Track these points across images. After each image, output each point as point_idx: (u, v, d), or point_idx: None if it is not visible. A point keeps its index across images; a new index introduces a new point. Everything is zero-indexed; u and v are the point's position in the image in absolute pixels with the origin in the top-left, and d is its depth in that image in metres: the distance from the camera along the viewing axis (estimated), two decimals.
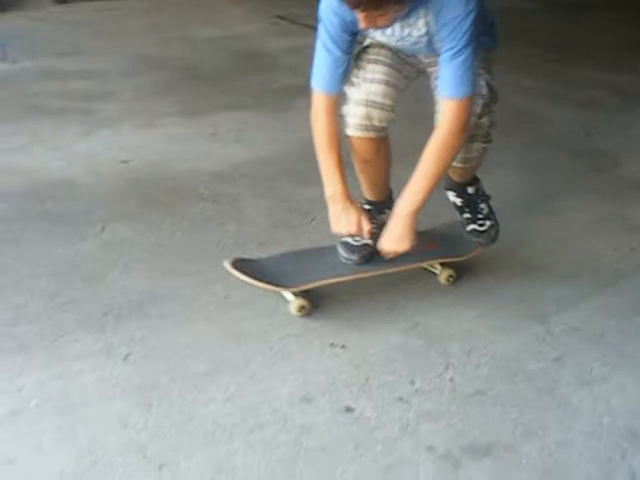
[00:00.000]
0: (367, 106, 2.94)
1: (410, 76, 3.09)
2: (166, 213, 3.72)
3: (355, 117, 2.97)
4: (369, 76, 2.96)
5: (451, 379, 2.74)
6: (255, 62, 6.37)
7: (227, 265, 3.02)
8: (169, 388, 2.64)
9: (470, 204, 3.35)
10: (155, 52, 6.61)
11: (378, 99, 2.94)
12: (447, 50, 2.74)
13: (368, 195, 3.29)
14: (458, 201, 3.37)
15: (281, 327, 2.98)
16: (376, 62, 2.99)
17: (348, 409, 2.58)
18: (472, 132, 2.95)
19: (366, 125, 2.97)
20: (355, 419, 2.55)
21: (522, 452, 2.44)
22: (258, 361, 2.79)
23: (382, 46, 3.01)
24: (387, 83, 2.95)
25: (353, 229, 3.00)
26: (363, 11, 2.59)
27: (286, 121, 4.99)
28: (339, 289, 3.15)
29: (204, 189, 4.00)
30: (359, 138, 3.02)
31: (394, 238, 2.95)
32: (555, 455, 2.44)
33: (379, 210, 3.28)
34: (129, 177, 4.15)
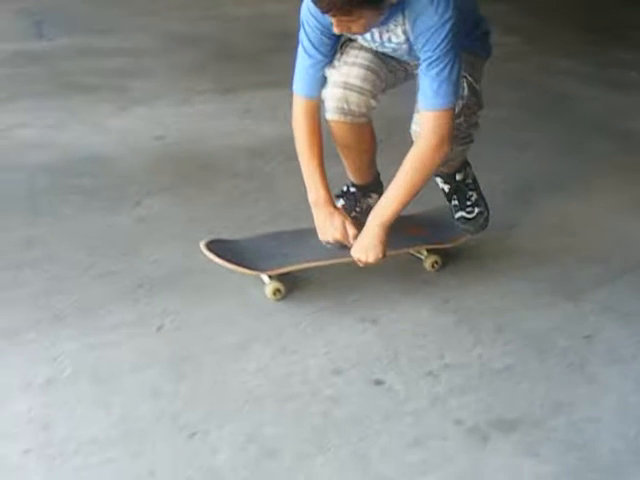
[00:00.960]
0: (345, 89, 2.88)
1: (397, 72, 3.02)
2: (200, 188, 3.76)
3: (332, 100, 2.91)
4: (350, 59, 2.91)
5: (480, 355, 2.76)
6: (288, 41, 6.35)
7: (202, 246, 2.99)
8: (201, 359, 2.69)
9: (458, 191, 3.28)
10: (189, 30, 6.63)
11: (357, 82, 2.88)
12: (424, 60, 2.68)
13: (352, 178, 3.26)
14: (446, 187, 3.31)
15: (312, 301, 3.01)
16: (360, 48, 2.93)
17: (378, 382, 2.61)
18: None
19: (343, 108, 2.91)
20: (384, 392, 2.58)
21: (549, 427, 2.46)
22: (289, 334, 2.83)
23: None
24: (368, 68, 2.90)
25: (338, 235, 2.95)
26: (334, 16, 2.56)
27: None
28: (367, 268, 3.17)
29: (238, 165, 4.03)
30: (336, 122, 2.97)
31: (363, 247, 2.88)
32: (582, 431, 2.46)
33: (364, 194, 3.26)
34: (164, 153, 4.19)
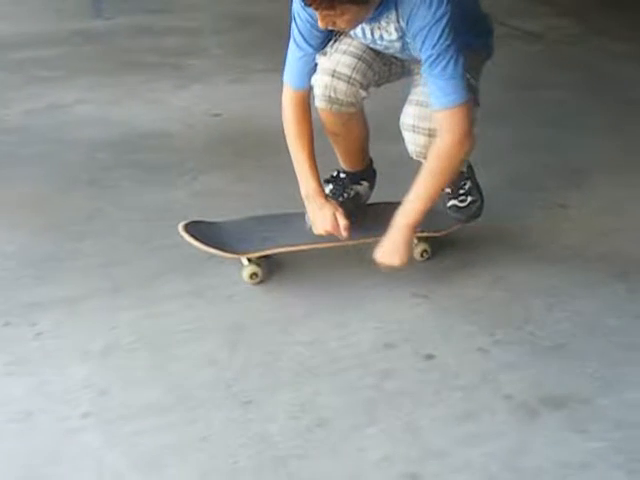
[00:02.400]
0: (333, 77, 2.81)
1: (392, 66, 2.96)
2: (255, 165, 3.81)
3: (319, 87, 2.85)
4: (342, 47, 2.85)
5: (531, 332, 2.78)
6: None
7: (179, 228, 2.97)
8: (256, 330, 2.75)
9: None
10: (244, 10, 6.67)
11: (346, 71, 2.81)
12: (426, 60, 2.60)
13: (342, 164, 3.21)
14: None
15: (366, 276, 3.03)
16: (355, 36, 2.84)
17: (429, 356, 2.65)
18: (433, 126, 2.74)
19: (329, 97, 2.85)
20: (435, 366, 2.61)
21: (598, 405, 2.47)
22: (343, 307, 2.88)
23: None
24: (360, 57, 2.83)
25: (329, 227, 2.88)
26: (316, 9, 2.50)
27: None
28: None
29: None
30: (323, 110, 2.93)
31: (388, 250, 2.79)
32: (631, 409, 2.47)
33: (353, 180, 3.20)
34: (220, 130, 4.25)
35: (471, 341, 2.73)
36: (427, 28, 2.55)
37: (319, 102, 2.90)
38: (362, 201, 3.25)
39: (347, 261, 3.12)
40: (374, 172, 3.25)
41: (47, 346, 2.65)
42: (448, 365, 2.62)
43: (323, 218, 2.90)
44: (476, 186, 3.20)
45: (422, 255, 3.16)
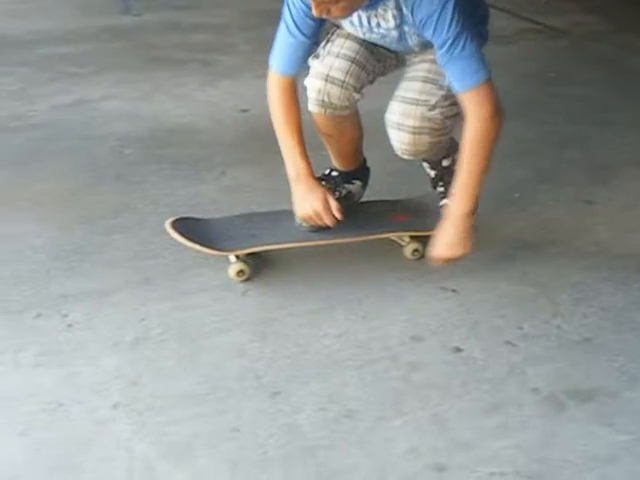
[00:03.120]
0: (326, 81, 2.81)
1: (386, 60, 2.93)
2: (282, 160, 3.82)
3: (312, 91, 2.85)
4: (335, 49, 2.82)
5: (558, 326, 2.79)
6: None
7: (166, 225, 2.97)
8: (285, 322, 2.77)
9: (445, 177, 3.15)
10: (271, 7, 6.61)
11: (339, 75, 2.80)
12: (440, 47, 2.56)
13: (335, 163, 3.20)
14: (432, 173, 3.22)
15: (394, 269, 3.07)
16: (347, 37, 2.83)
17: (457, 349, 2.66)
18: (418, 124, 2.75)
19: (323, 101, 2.85)
20: (463, 359, 2.63)
21: (626, 398, 2.48)
22: (371, 301, 2.89)
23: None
24: (353, 60, 2.81)
25: (320, 208, 2.83)
26: None
27: None
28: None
29: (320, 139, 4.07)
30: (317, 114, 2.92)
31: (449, 243, 2.74)
32: None
33: (346, 179, 3.19)
34: (248, 125, 4.27)
35: (499, 335, 2.74)
36: (436, 14, 2.53)
37: (312, 106, 2.90)
38: (355, 200, 3.24)
39: (375, 253, 3.14)
40: (367, 170, 3.24)
41: (78, 337, 2.68)
42: (475, 358, 2.63)
43: (313, 199, 2.84)
44: None
45: (413, 254, 3.13)
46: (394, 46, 2.81)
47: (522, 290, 2.98)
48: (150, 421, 2.35)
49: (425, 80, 2.76)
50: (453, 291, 2.96)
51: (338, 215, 2.86)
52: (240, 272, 2.97)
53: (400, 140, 2.80)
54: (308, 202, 2.86)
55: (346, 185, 3.19)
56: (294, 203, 2.93)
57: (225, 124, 4.31)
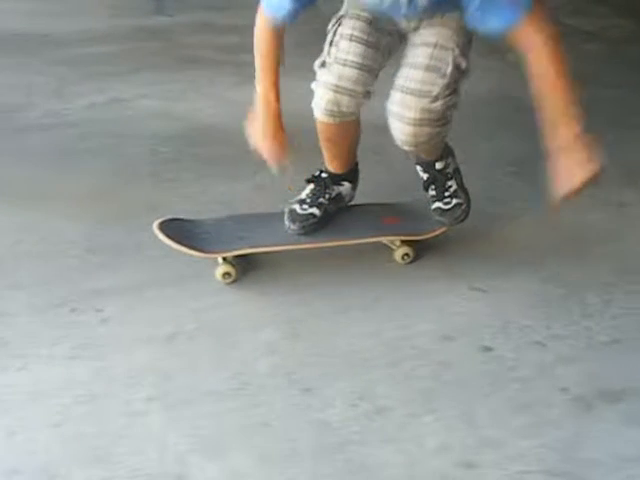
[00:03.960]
0: (336, 92, 2.79)
1: (392, 43, 2.86)
2: (314, 161, 3.83)
3: (322, 100, 2.84)
4: (342, 56, 2.77)
5: (588, 327, 2.80)
6: None
7: (154, 226, 2.98)
8: (315, 321, 2.80)
9: (437, 180, 3.11)
10: None
11: (349, 85, 2.77)
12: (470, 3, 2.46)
13: (329, 166, 3.17)
14: (425, 176, 3.15)
15: (424, 268, 3.09)
16: (351, 39, 2.77)
17: (486, 349, 2.68)
18: (419, 116, 2.69)
19: (332, 111, 2.84)
20: (493, 358, 2.64)
21: None
22: (400, 299, 2.92)
23: (358, 17, 2.80)
24: (361, 67, 2.76)
25: (259, 140, 2.95)
26: None
27: None
28: (481, 239, 3.24)
29: (364, 140, 4.04)
30: (326, 123, 2.92)
31: (578, 165, 2.48)
32: None
33: (335, 181, 3.16)
34: (285, 127, 4.28)
35: (528, 335, 2.75)
36: None
37: (321, 116, 2.89)
38: (345, 202, 3.22)
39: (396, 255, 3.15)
40: (357, 172, 3.22)
41: (112, 332, 2.72)
42: (505, 358, 2.65)
43: (261, 127, 2.96)
44: (462, 188, 3.14)
45: (403, 258, 3.12)
46: (404, 11, 2.62)
47: (551, 291, 2.99)
48: (182, 415, 2.38)
49: (427, 68, 2.69)
50: (483, 291, 2.97)
51: (277, 152, 2.95)
52: (226, 274, 2.97)
53: (401, 131, 2.76)
54: (256, 129, 2.98)
55: (335, 187, 3.16)
56: (249, 128, 3.02)
57: None
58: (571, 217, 3.41)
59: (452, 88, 2.70)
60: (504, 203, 3.54)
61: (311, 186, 3.16)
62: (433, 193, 3.13)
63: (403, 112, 2.72)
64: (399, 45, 2.88)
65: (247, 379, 2.52)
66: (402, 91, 2.72)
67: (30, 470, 2.22)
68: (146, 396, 2.45)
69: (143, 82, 4.95)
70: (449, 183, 3.12)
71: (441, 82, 2.68)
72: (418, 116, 2.69)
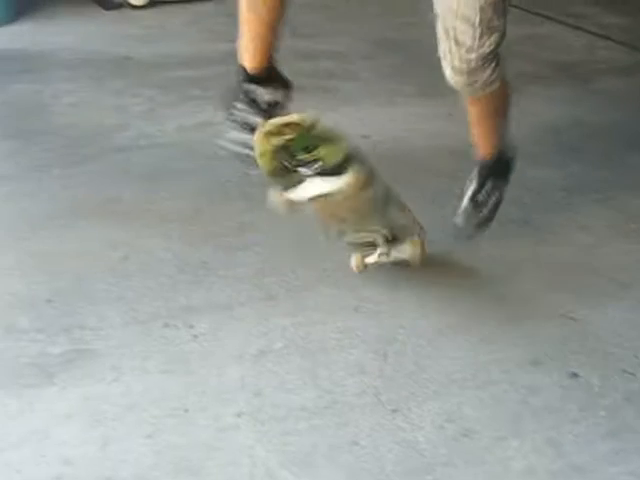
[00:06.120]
0: None
1: None
2: (405, 186, 3.86)
3: None
4: None
5: None
6: None
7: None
8: (404, 342, 2.82)
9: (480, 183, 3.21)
10: (392, 36, 6.74)
11: None
12: None
13: (245, 59, 3.06)
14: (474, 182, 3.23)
15: (513, 294, 3.12)
16: None
17: (574, 375, 2.68)
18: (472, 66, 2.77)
19: None
20: (580, 385, 2.65)
21: None
22: (490, 325, 2.93)
23: None
24: None
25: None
26: None
27: (518, 105, 5.04)
28: (573, 268, 3.25)
29: (441, 165, 4.12)
30: None
31: None
32: None
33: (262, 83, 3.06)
34: (369, 150, 4.31)
35: (616, 363, 2.75)
36: None
37: None
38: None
39: (494, 280, 3.19)
40: (279, 76, 3.18)
41: (203, 348, 2.78)
42: (592, 384, 2.65)
43: None
44: (495, 207, 3.23)
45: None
46: None
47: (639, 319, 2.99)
48: (272, 430, 2.42)
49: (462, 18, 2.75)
50: (572, 318, 2.97)
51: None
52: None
53: (454, 80, 2.92)
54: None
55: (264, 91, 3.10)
56: None
57: None
58: None
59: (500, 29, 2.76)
60: (590, 230, 3.52)
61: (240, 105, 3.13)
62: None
63: (450, 62, 2.88)
64: None
65: (335, 398, 2.56)
66: (446, 38, 2.88)
67: (122, 479, 2.27)
68: (237, 411, 2.49)
69: None
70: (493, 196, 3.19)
71: (497, 34, 2.75)
72: (472, 66, 2.82)
